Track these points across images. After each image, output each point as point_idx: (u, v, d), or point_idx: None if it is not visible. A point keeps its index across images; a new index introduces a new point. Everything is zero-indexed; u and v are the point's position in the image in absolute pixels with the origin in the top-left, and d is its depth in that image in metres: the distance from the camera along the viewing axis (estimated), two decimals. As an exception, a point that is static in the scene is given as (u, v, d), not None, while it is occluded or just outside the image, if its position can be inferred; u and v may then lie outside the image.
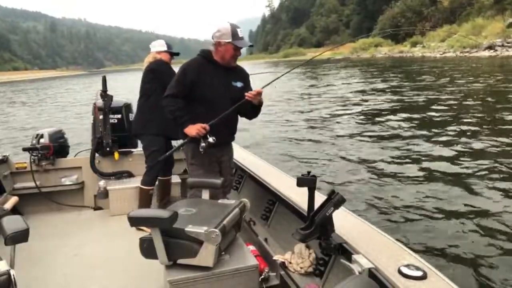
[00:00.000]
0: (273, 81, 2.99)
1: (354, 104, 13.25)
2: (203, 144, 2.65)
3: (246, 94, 2.71)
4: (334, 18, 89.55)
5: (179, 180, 3.87)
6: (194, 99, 2.74)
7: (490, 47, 35.12)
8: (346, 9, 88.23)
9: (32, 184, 3.72)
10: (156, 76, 3.42)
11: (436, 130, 8.46)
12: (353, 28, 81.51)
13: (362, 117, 10.94)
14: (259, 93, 2.72)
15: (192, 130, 2.65)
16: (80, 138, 6.97)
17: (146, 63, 3.51)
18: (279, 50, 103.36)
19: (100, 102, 3.82)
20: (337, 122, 10.49)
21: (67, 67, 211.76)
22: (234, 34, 2.69)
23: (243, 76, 2.94)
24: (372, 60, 45.97)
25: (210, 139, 2.65)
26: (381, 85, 18.01)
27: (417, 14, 57.43)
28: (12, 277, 1.59)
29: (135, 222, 1.96)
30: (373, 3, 74.74)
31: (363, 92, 16.30)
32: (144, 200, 3.51)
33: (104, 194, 3.71)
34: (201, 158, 2.79)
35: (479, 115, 9.95)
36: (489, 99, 12.23)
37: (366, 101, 13.72)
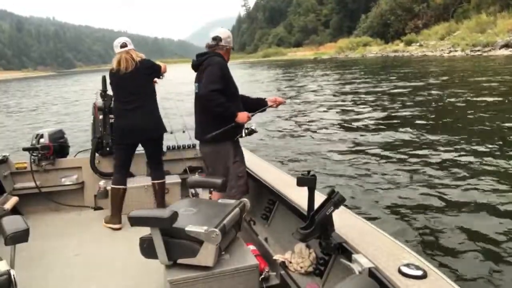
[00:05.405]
0: (297, 94, 3.46)
1: (357, 105, 13.15)
2: (246, 130, 2.92)
3: (269, 101, 3.20)
4: (312, 18, 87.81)
5: (179, 180, 3.87)
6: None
7: (507, 45, 31.54)
8: (324, 9, 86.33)
9: (32, 184, 3.71)
10: (157, 72, 3.51)
11: (441, 132, 8.33)
12: (333, 28, 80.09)
13: (364, 118, 10.86)
14: (281, 103, 3.25)
15: (245, 116, 2.89)
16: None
17: (134, 62, 3.35)
18: (257, 50, 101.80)
19: (100, 102, 3.81)
20: (338, 123, 10.48)
21: (35, 67, 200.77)
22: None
23: None
24: (364, 60, 43.08)
25: (253, 126, 2.94)
26: (386, 87, 17.51)
27: (408, 11, 54.49)
28: (12, 277, 1.59)
29: (135, 222, 1.97)
30: (353, 1, 73.06)
31: (366, 93, 16.05)
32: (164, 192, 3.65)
33: (104, 194, 3.70)
34: (241, 155, 3.07)
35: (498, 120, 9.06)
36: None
37: (369, 103, 13.50)
